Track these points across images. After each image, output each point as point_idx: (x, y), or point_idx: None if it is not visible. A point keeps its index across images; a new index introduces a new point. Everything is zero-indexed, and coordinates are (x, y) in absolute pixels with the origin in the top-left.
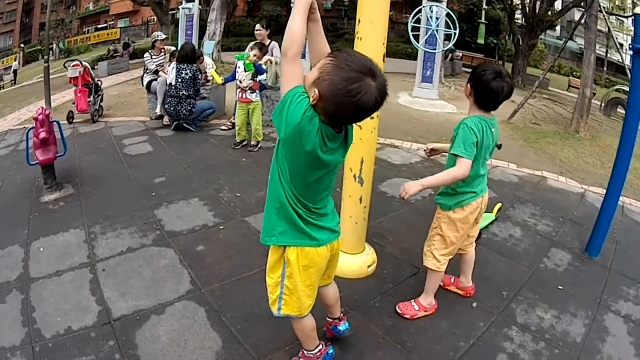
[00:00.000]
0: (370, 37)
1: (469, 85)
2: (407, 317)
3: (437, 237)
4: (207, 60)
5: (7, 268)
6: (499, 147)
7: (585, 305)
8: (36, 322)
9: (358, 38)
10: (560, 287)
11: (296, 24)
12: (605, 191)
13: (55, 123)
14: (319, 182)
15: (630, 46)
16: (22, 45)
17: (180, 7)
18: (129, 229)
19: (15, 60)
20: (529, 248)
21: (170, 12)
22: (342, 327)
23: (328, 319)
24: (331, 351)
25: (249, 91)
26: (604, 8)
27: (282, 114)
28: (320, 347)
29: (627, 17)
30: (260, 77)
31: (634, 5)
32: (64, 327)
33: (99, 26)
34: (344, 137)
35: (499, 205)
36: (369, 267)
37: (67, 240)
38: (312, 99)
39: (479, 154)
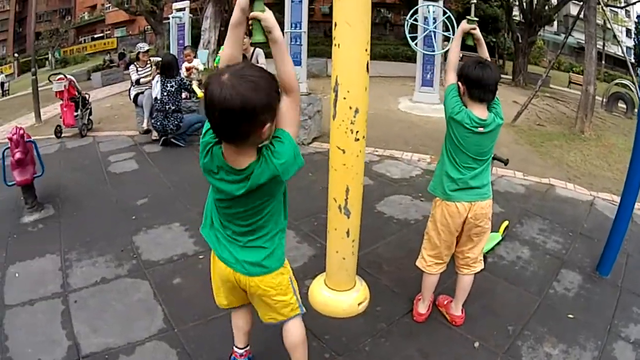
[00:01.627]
0: (349, 42)
1: (458, 83)
2: (420, 321)
3: (426, 235)
4: (196, 61)
5: None
6: (506, 162)
7: (595, 334)
8: (8, 351)
9: (335, 45)
10: (570, 316)
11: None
12: (612, 196)
13: (31, 142)
14: (224, 207)
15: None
16: (16, 55)
17: (171, 15)
18: (104, 256)
19: (2, 72)
20: (537, 271)
21: (165, 21)
22: None
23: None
24: None
25: None
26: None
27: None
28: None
29: (621, 8)
30: None
31: None
32: (34, 359)
33: (95, 35)
34: (245, 176)
35: (506, 223)
36: (359, 304)
37: (42, 266)
38: None
39: (450, 142)
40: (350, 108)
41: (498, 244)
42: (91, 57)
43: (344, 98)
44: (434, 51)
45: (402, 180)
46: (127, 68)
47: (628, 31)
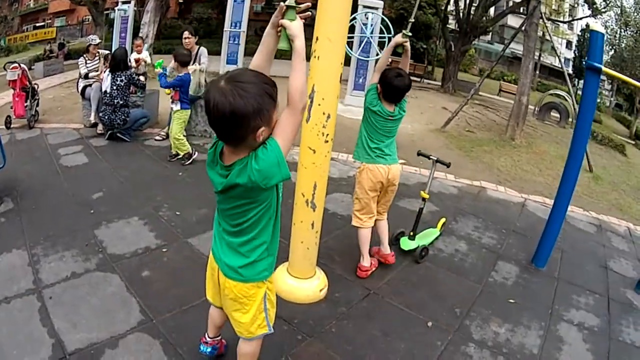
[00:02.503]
0: (328, 55)
1: (378, 85)
2: (363, 277)
3: (355, 199)
4: (144, 53)
5: None
6: (448, 165)
7: (538, 316)
8: None
9: (315, 57)
10: (511, 301)
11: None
12: (545, 199)
13: None
14: (218, 202)
15: (585, 62)
16: None
17: (116, 8)
18: (70, 250)
19: None
20: (476, 262)
21: (105, 12)
22: (208, 349)
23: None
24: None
25: (170, 100)
26: (543, 13)
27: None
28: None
29: (564, 22)
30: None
31: (571, 9)
32: None
33: (37, 24)
34: (227, 172)
35: (443, 219)
36: (320, 290)
37: (11, 262)
38: None
39: (368, 126)
40: (324, 114)
41: (436, 238)
42: (32, 47)
43: (319, 105)
44: (368, 57)
45: (341, 179)
46: (66, 58)
47: (569, 43)
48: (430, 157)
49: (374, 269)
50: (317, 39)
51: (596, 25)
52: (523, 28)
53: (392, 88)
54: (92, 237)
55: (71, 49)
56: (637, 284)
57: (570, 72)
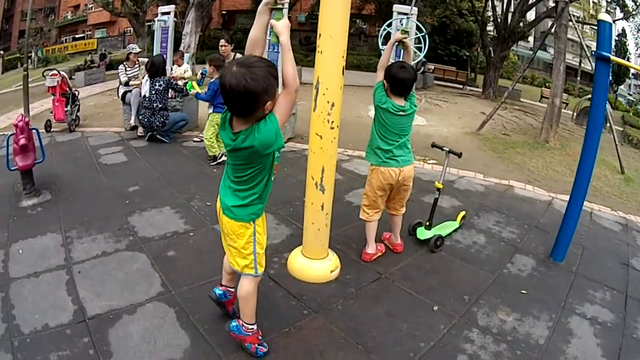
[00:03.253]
0: (330, 50)
1: (384, 80)
2: (367, 260)
3: (364, 195)
4: (185, 66)
5: None
6: (459, 155)
7: (549, 308)
8: (15, 319)
9: (319, 52)
10: (524, 291)
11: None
12: None
13: (34, 130)
14: (228, 158)
15: (593, 52)
16: (1, 52)
17: (156, 19)
18: (103, 234)
19: None
20: (492, 254)
21: (147, 24)
22: (219, 290)
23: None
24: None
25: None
26: (577, 17)
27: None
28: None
29: (593, 25)
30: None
31: (609, 13)
32: (41, 323)
33: (77, 36)
34: (235, 137)
35: (463, 212)
36: (331, 271)
37: (44, 244)
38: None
39: (379, 125)
40: (328, 102)
41: (455, 230)
42: (72, 58)
43: (323, 94)
44: None
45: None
46: (107, 69)
47: None
48: (443, 148)
49: (379, 254)
50: (319, 35)
51: (604, 15)
52: (553, 30)
53: (398, 81)
54: (125, 223)
55: (113, 59)
56: None
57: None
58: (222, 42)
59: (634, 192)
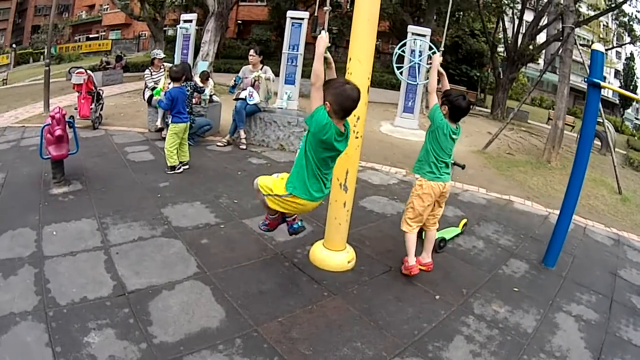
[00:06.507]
0: (358, 73)
1: (444, 106)
2: (408, 273)
3: (409, 208)
4: (211, 82)
5: (20, 246)
6: (463, 167)
7: (537, 305)
8: (50, 292)
9: (349, 73)
10: (516, 289)
11: (318, 65)
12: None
13: (70, 122)
14: (326, 158)
15: (586, 79)
16: (13, 46)
17: (178, 25)
18: (138, 222)
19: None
20: (489, 257)
21: (164, 29)
22: (296, 224)
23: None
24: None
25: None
26: (587, 41)
27: (313, 118)
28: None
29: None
30: (254, 100)
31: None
32: (79, 296)
33: (90, 35)
34: (346, 135)
35: (465, 220)
36: (348, 262)
37: (79, 227)
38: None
39: (435, 144)
40: (354, 115)
41: (457, 235)
42: (85, 57)
43: None
44: (416, 81)
45: (381, 186)
46: (124, 71)
47: (617, 72)
48: None
49: (422, 267)
50: (350, 59)
51: (597, 45)
52: (559, 54)
53: (458, 109)
54: (159, 213)
55: (128, 62)
56: None
57: (617, 101)
58: (252, 52)
59: (629, 211)
